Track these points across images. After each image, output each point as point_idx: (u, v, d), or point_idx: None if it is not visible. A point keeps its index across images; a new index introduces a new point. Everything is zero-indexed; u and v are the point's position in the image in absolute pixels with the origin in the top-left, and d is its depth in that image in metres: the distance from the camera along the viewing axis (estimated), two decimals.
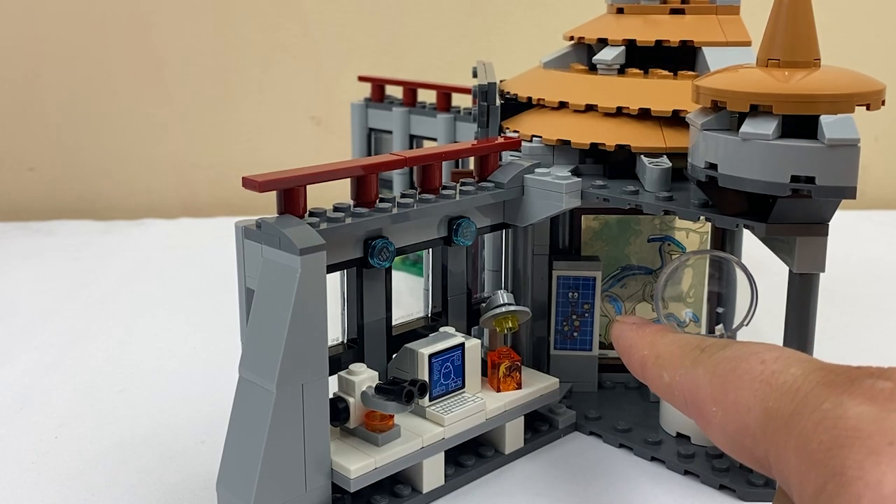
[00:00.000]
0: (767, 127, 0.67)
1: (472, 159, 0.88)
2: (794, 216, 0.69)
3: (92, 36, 1.72)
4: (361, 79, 1.35)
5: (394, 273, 0.78)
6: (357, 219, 0.71)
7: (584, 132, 0.84)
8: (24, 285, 1.30)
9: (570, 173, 0.82)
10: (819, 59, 0.70)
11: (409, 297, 1.16)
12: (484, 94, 0.88)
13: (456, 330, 0.79)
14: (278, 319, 0.64)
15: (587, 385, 0.90)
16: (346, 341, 0.76)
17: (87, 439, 0.85)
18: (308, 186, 0.69)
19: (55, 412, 0.90)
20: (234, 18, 1.73)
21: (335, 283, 0.73)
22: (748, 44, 0.86)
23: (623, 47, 0.87)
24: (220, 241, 1.29)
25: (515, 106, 0.92)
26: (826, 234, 0.69)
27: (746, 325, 0.86)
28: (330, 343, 0.71)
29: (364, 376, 0.71)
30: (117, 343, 1.08)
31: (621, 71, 0.88)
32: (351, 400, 0.71)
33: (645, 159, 0.80)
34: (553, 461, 0.81)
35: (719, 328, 0.88)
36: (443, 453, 0.75)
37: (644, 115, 0.83)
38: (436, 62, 1.72)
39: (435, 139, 1.24)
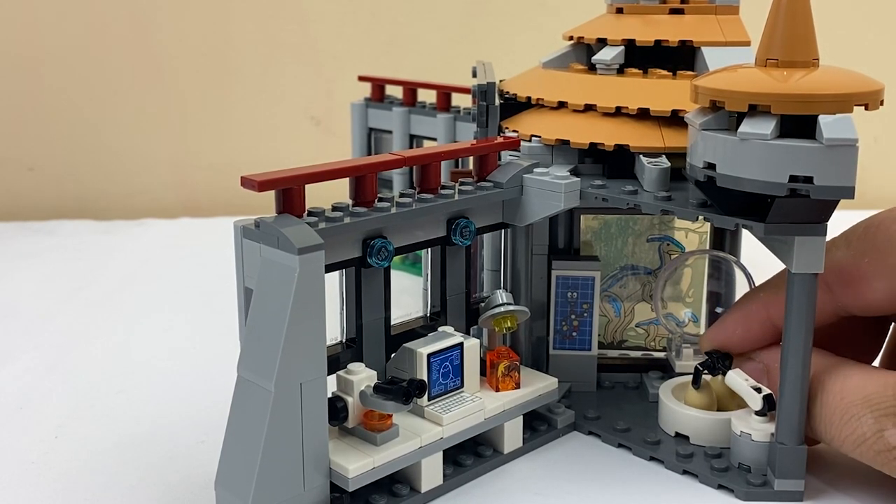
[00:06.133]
0: (766, 127, 0.67)
1: (471, 159, 0.88)
2: (793, 216, 0.69)
3: (92, 36, 1.72)
4: (361, 79, 1.35)
5: (393, 272, 0.78)
6: (356, 218, 0.71)
7: (583, 132, 0.84)
8: (24, 285, 1.30)
9: (568, 173, 0.82)
10: (818, 59, 0.70)
11: (408, 296, 1.16)
12: (483, 93, 0.88)
13: (455, 329, 0.79)
14: (277, 319, 0.64)
15: (586, 385, 0.90)
16: (344, 341, 0.76)
17: (87, 439, 0.85)
18: (307, 186, 0.69)
19: (55, 412, 0.91)
20: (234, 18, 1.73)
21: (334, 283, 0.73)
22: (747, 44, 0.86)
23: (622, 47, 0.87)
24: (219, 241, 1.29)
25: (515, 106, 0.92)
26: (825, 234, 0.69)
27: None
28: (328, 342, 0.71)
29: (362, 376, 0.71)
30: (117, 343, 1.08)
31: (620, 71, 0.88)
32: (349, 399, 0.71)
33: (644, 159, 0.80)
34: (552, 461, 0.81)
35: None
36: (441, 453, 0.75)
37: (643, 114, 0.83)
38: (436, 62, 1.72)
39: (435, 139, 1.24)
